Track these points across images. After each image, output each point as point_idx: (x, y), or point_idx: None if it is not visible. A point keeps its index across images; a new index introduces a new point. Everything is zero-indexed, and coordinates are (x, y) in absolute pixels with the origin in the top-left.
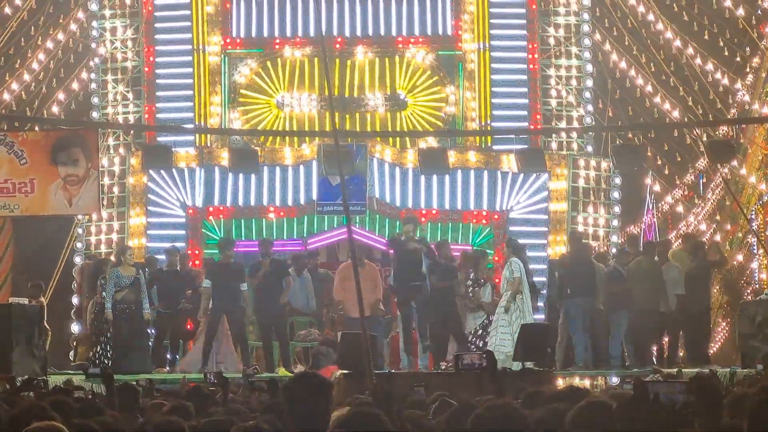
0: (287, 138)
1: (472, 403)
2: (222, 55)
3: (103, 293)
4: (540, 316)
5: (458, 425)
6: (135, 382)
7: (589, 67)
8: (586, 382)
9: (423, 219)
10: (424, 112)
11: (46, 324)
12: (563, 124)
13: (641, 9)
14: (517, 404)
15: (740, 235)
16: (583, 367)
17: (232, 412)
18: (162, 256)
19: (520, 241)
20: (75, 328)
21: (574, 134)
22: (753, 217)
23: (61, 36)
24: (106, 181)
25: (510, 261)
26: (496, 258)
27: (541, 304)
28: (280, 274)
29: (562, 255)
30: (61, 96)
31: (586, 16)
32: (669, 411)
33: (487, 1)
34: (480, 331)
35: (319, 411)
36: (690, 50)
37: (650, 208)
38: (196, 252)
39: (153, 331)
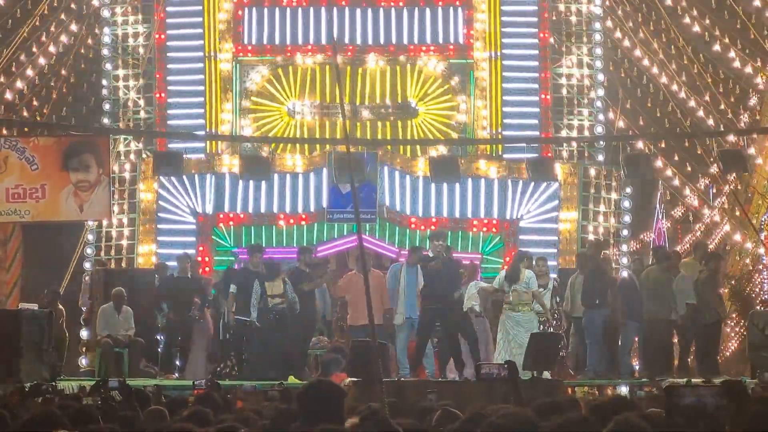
0: (298, 145)
1: (482, 412)
2: (233, 63)
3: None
4: None
5: None
6: (143, 388)
7: (601, 76)
8: (595, 392)
9: (433, 227)
10: (435, 120)
11: (65, 328)
12: (574, 133)
13: (653, 18)
14: (532, 414)
15: (749, 245)
16: (593, 376)
17: (243, 419)
18: (173, 263)
19: (530, 250)
20: (84, 333)
21: (585, 143)
22: (762, 227)
23: (71, 40)
24: (117, 187)
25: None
26: (505, 267)
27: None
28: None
29: (583, 265)
30: (72, 101)
31: (597, 25)
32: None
33: (498, 10)
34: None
35: (332, 419)
36: (702, 60)
37: (660, 217)
38: (206, 259)
39: (162, 337)
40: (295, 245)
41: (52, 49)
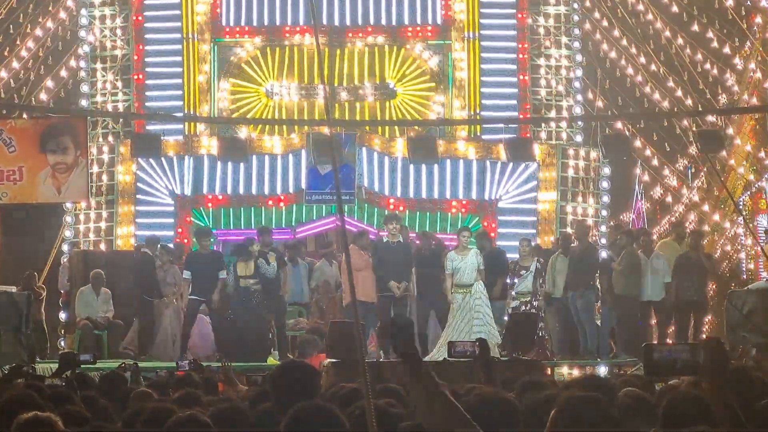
0: (276, 127)
1: (457, 390)
2: (212, 44)
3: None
4: None
5: None
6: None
7: (579, 57)
8: (575, 372)
9: (401, 208)
10: (414, 101)
11: (43, 310)
12: (553, 114)
13: None
14: (507, 393)
15: (728, 224)
16: (590, 357)
17: (224, 402)
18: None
19: (509, 230)
20: (63, 316)
21: (564, 124)
22: (741, 206)
23: (50, 24)
24: (95, 169)
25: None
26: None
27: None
28: (278, 263)
29: (572, 248)
30: (50, 83)
31: (576, 5)
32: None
33: None
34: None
35: (306, 399)
36: (680, 41)
37: (639, 198)
38: (185, 241)
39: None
40: (274, 226)
41: (28, 30)
